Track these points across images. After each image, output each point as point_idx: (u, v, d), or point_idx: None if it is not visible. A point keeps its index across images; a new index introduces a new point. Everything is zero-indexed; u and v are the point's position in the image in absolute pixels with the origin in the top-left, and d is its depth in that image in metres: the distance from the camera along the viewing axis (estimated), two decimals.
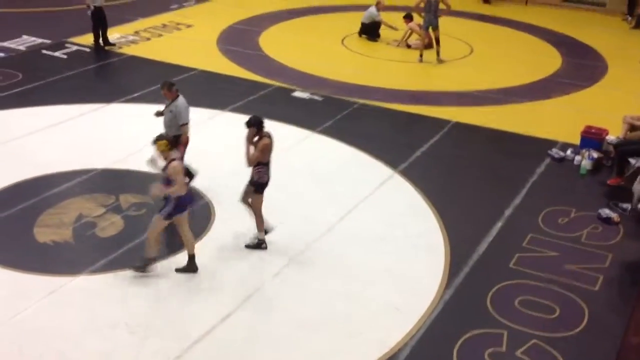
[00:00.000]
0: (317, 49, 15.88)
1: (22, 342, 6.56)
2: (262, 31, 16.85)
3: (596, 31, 18.33)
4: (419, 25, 15.92)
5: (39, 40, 15.00)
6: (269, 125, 11.01)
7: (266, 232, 8.31)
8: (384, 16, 16.86)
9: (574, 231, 8.91)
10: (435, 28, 15.07)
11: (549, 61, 15.68)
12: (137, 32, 16.05)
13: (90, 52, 14.62)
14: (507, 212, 9.30)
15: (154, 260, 7.63)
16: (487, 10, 20.20)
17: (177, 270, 7.72)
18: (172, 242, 8.18)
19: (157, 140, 7.36)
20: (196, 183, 9.32)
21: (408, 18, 16.25)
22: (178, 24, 17.00)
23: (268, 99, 12.78)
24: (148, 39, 15.74)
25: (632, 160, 10.11)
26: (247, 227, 8.65)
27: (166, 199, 7.47)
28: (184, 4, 18.77)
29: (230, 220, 8.78)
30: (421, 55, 15.25)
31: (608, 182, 10.19)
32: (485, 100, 13.30)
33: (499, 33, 18.11)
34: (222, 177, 9.75)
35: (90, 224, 8.50)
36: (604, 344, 7.02)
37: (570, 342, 6.99)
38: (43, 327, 6.78)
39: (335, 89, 13.34)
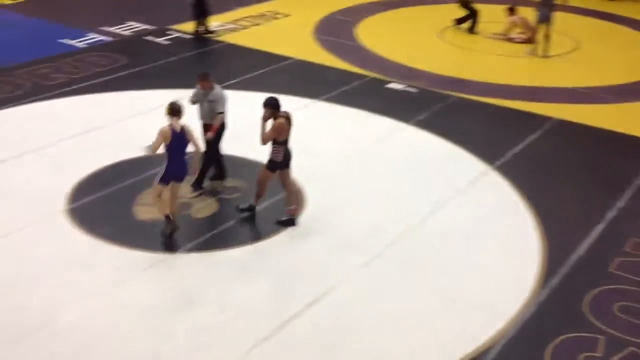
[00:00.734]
0: (414, 41, 15.71)
1: (120, 313, 6.81)
2: (359, 22, 16.81)
3: None
4: (521, 19, 15.47)
5: (143, 27, 15.50)
6: (362, 115, 10.99)
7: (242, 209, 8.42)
8: (487, 7, 16.45)
9: None
10: (549, 24, 14.67)
11: None
12: (236, 21, 16.33)
13: (191, 39, 14.98)
14: (610, 215, 8.92)
15: (169, 218, 7.85)
16: (605, 7, 19.32)
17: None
18: (258, 230, 8.30)
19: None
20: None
21: (511, 10, 15.82)
22: (276, 13, 17.18)
23: (362, 89, 12.73)
24: (246, 27, 16.00)
25: None
26: (339, 216, 8.67)
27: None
28: None
29: (322, 207, 8.81)
30: (532, 49, 14.89)
31: None
32: (590, 98, 12.81)
33: (613, 30, 17.34)
34: (312, 164, 9.79)
35: (186, 204, 8.71)
36: None
37: None
38: (138, 301, 7.01)
39: (432, 82, 13.16)
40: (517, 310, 7.10)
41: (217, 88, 8.84)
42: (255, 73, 13.14)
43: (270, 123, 8.08)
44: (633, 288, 7.52)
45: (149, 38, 14.88)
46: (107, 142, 10.07)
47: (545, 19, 14.73)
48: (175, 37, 15.03)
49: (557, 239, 8.32)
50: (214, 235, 8.17)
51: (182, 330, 6.62)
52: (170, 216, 7.90)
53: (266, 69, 13.41)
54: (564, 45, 15.52)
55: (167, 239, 7.93)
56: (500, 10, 16.37)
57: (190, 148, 7.89)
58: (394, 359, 6.45)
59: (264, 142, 8.09)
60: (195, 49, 14.63)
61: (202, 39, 15.04)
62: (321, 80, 13.01)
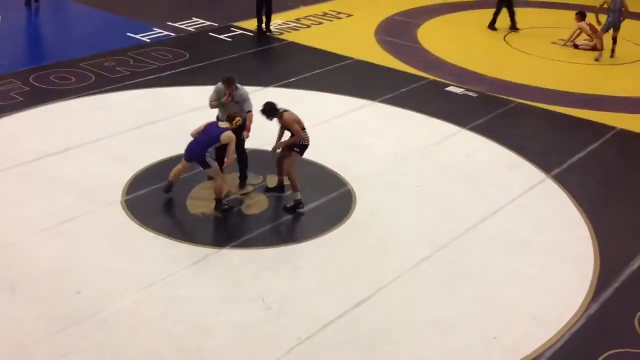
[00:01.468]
0: (476, 44, 15.50)
1: (167, 305, 6.95)
2: (421, 23, 16.68)
3: None
4: (590, 25, 15.07)
5: (207, 23, 15.75)
6: (419, 117, 10.94)
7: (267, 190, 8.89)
8: (554, 12, 16.09)
9: None
10: (617, 29, 14.39)
11: None
12: (298, 19, 16.44)
13: (253, 37, 15.15)
14: None
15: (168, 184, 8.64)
16: None
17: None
18: (305, 228, 8.35)
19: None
20: (338, 170, 9.45)
21: (580, 16, 15.38)
22: (338, 13, 17.21)
23: (421, 92, 12.64)
24: (308, 26, 16.07)
25: None
26: (389, 218, 8.64)
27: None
28: None
29: (372, 209, 8.79)
30: (599, 55, 14.59)
31: None
32: None
33: None
34: (365, 165, 9.78)
35: (237, 200, 8.83)
36: None
37: None
38: (186, 293, 7.14)
39: (492, 86, 12.95)
40: (565, 322, 6.94)
41: (241, 88, 8.86)
42: (314, 72, 13.20)
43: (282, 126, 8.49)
44: None
45: (213, 34, 15.11)
46: (165, 136, 10.28)
47: (613, 25, 14.42)
48: (238, 34, 15.22)
49: (611, 252, 8.09)
50: (262, 232, 8.25)
51: (226, 325, 6.71)
52: (169, 181, 8.66)
53: (326, 69, 13.45)
54: (629, 53, 15.05)
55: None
56: (567, 15, 15.98)
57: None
58: None
59: (302, 140, 8.46)
60: (256, 46, 14.79)
61: (264, 36, 15.19)
62: (380, 81, 12.97)
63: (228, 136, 8.35)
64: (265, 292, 7.18)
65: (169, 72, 12.84)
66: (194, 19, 15.99)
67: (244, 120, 8.68)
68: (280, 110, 8.45)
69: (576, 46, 15.42)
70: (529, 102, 12.33)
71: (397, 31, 16.15)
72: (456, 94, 12.60)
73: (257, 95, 11.73)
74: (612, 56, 14.68)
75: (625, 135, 11.23)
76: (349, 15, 17.03)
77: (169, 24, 15.47)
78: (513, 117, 11.79)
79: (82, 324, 6.60)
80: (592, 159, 10.40)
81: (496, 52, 15.16)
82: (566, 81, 13.52)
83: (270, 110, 8.43)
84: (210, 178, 8.65)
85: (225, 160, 8.42)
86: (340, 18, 16.84)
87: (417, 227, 8.46)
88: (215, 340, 6.52)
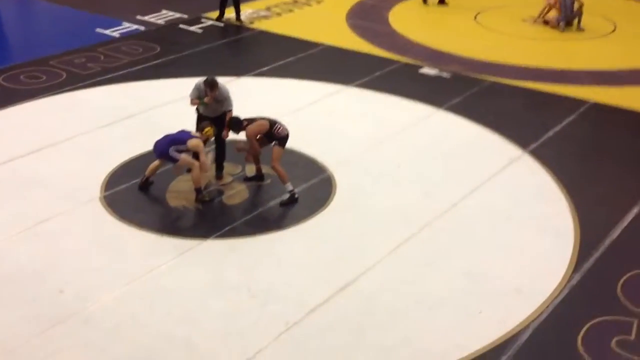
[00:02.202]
0: (448, 26, 15.54)
1: (152, 299, 6.91)
2: (392, 7, 16.68)
3: None
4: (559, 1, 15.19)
5: (177, 15, 15.61)
6: (394, 100, 10.98)
7: (246, 179, 8.95)
8: None
9: None
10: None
11: None
12: (268, 8, 16.34)
13: (224, 27, 15.05)
14: None
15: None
16: None
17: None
18: (286, 216, 8.35)
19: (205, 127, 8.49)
20: (316, 156, 9.44)
21: None
22: None
23: (395, 75, 12.65)
24: (279, 14, 16.00)
25: None
26: (370, 201, 8.66)
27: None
28: None
29: (352, 193, 8.81)
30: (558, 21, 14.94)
31: None
32: (627, 80, 12.53)
33: None
34: (343, 150, 9.79)
35: (217, 191, 8.79)
36: None
37: None
38: (172, 286, 7.11)
39: (466, 66, 13.01)
40: (549, 294, 7.02)
41: (222, 87, 8.78)
42: (287, 60, 13.16)
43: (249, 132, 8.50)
44: None
45: (183, 26, 14.98)
46: (140, 130, 10.19)
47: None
48: (209, 25, 15.10)
49: (591, 223, 8.20)
50: (244, 222, 8.23)
51: (213, 316, 6.70)
52: (146, 177, 8.73)
53: (298, 56, 13.40)
54: (600, 27, 15.20)
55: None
56: None
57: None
58: (422, 342, 6.43)
59: (253, 150, 8.60)
60: (228, 36, 14.70)
61: (234, 27, 15.09)
62: (353, 66, 12.96)
63: (195, 144, 8.34)
64: (250, 281, 7.18)
65: (141, 67, 12.72)
66: (164, 11, 15.84)
67: (222, 126, 8.70)
68: (245, 123, 8.47)
69: (546, 22, 15.53)
70: (502, 80, 12.41)
71: (368, 15, 16.13)
72: (430, 76, 12.64)
73: (232, 86, 11.69)
74: (579, 28, 14.80)
75: (599, 108, 11.34)
76: (319, 2, 16.98)
77: (138, 18, 15.31)
78: (487, 96, 11.86)
79: (67, 322, 6.54)
80: (568, 133, 10.51)
81: (467, 32, 15.22)
82: (538, 57, 13.63)
83: (235, 124, 8.53)
84: (189, 170, 8.62)
85: (200, 169, 8.38)
86: (310, 5, 16.78)
87: (398, 208, 8.49)
88: (204, 331, 6.50)
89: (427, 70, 12.82)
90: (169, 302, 6.87)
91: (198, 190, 8.49)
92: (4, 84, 11.76)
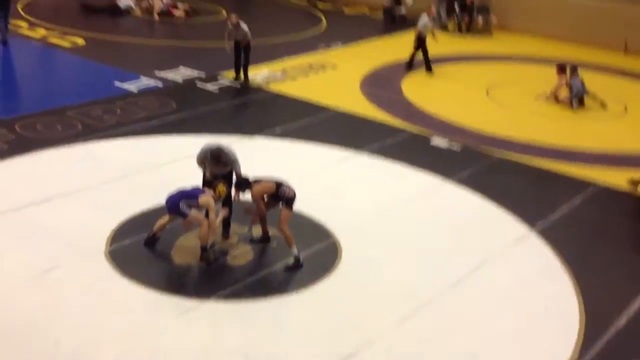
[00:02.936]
0: (460, 98, 15.74)
1: (152, 357, 6.86)
2: (405, 76, 16.95)
3: None
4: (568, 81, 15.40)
5: (195, 73, 15.90)
6: (403, 169, 11.04)
7: (252, 240, 8.99)
8: (539, 68, 16.42)
9: None
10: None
11: None
12: (284, 70, 16.64)
13: (239, 87, 15.29)
14: None
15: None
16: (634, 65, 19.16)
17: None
18: (290, 281, 8.33)
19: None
20: (323, 221, 9.46)
21: (561, 69, 15.71)
22: (324, 64, 17.46)
23: (405, 144, 12.77)
24: (294, 77, 16.27)
25: None
26: (374, 271, 8.64)
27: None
28: (332, 45, 19.26)
29: (357, 261, 8.79)
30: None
31: None
32: (636, 163, 12.58)
33: None
34: (350, 217, 9.81)
35: (223, 251, 8.79)
36: None
37: None
38: (171, 346, 7.05)
39: (476, 139, 13.13)
40: None
41: (230, 152, 8.89)
42: (299, 123, 13.33)
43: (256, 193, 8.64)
44: None
45: (200, 84, 15.24)
46: (150, 186, 10.26)
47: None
48: (225, 84, 15.36)
49: (597, 308, 8.12)
50: (248, 284, 8.21)
51: None
52: (154, 232, 8.77)
53: (311, 119, 13.59)
54: (610, 108, 15.36)
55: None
56: (549, 70, 16.32)
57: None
58: None
59: (259, 211, 8.71)
60: (242, 96, 14.93)
61: (249, 87, 15.34)
62: (365, 133, 13.10)
63: (206, 201, 8.40)
64: (249, 346, 7.12)
65: (156, 122, 12.90)
66: (182, 68, 16.14)
67: (230, 191, 8.81)
68: (251, 184, 8.62)
69: (558, 100, 15.70)
70: (512, 156, 12.49)
71: (382, 83, 16.39)
72: (440, 147, 12.75)
73: (243, 146, 11.87)
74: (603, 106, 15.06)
75: (607, 191, 11.36)
76: (335, 67, 17.28)
77: (156, 73, 15.60)
78: (497, 170, 11.93)
79: None
80: (575, 213, 10.50)
81: (479, 105, 15.40)
82: (548, 135, 13.72)
83: (242, 184, 8.68)
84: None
85: (209, 227, 8.41)
86: (325, 70, 17.08)
87: (402, 281, 8.46)
88: None
89: (438, 142, 12.94)
90: None
91: (203, 249, 8.51)
92: (20, 132, 11.93)
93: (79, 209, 9.57)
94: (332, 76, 16.72)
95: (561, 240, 9.59)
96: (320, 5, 24.69)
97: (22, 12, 20.21)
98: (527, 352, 7.36)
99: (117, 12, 20.84)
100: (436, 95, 15.74)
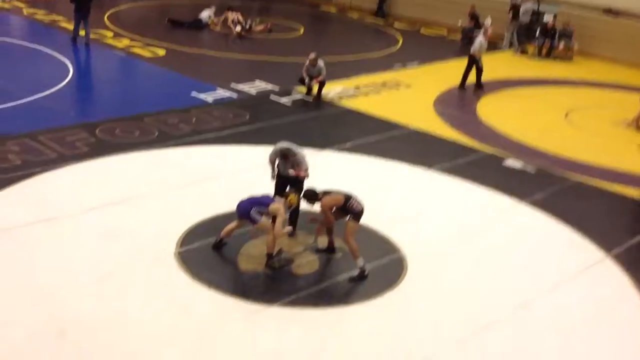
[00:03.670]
0: (537, 120, 15.39)
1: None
2: (481, 97, 16.72)
3: None
4: None
5: (270, 86, 16.11)
6: (474, 189, 10.84)
7: (318, 250, 8.94)
8: (622, 95, 15.93)
9: None
10: None
11: None
12: (357, 87, 16.67)
13: (311, 102, 15.39)
14: None
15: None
16: None
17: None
18: (354, 292, 8.25)
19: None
20: (389, 235, 9.34)
21: None
22: (398, 83, 17.41)
23: (478, 164, 12.55)
24: (367, 94, 16.27)
25: None
26: (440, 289, 8.48)
27: None
28: (407, 64, 19.20)
29: (423, 278, 8.65)
30: None
31: None
32: None
33: None
34: (418, 233, 9.68)
35: (288, 259, 8.80)
36: None
37: None
38: (233, 349, 7.09)
39: (552, 162, 12.78)
40: None
41: (298, 152, 9.14)
42: (371, 139, 13.29)
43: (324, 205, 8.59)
44: None
45: (273, 97, 15.42)
46: (220, 192, 10.42)
47: None
48: (299, 98, 15.49)
49: None
50: (311, 293, 8.19)
51: None
52: (221, 238, 8.89)
53: (382, 136, 13.53)
54: None
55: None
56: (631, 97, 15.81)
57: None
58: None
59: (327, 214, 8.60)
60: (314, 111, 15.01)
61: (322, 102, 15.42)
62: (436, 151, 12.96)
63: (276, 208, 8.46)
64: (310, 354, 7.08)
65: (229, 132, 13.11)
66: (257, 81, 16.39)
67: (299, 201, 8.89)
68: (320, 195, 8.57)
69: (639, 127, 15.17)
70: (588, 181, 12.11)
71: (456, 103, 16.21)
72: (514, 168, 12.48)
73: (314, 159, 11.88)
74: None
75: None
76: (408, 86, 17.21)
77: (232, 86, 15.88)
78: (572, 195, 11.57)
79: None
80: None
81: (557, 128, 15.03)
82: (627, 162, 13.25)
83: (310, 196, 8.63)
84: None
85: (274, 233, 8.46)
86: (399, 88, 17.02)
87: (469, 299, 8.27)
88: None
89: (512, 163, 12.66)
90: None
91: (269, 256, 8.54)
92: (100, 135, 12.32)
93: (151, 211, 9.78)
94: (406, 94, 16.64)
95: (638, 266, 9.19)
96: (397, 24, 24.70)
97: (107, 22, 20.99)
98: None
99: (199, 25, 21.38)
100: (512, 117, 15.44)
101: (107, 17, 21.67)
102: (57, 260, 8.39)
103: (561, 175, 12.25)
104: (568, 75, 19.44)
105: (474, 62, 16.96)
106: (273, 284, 8.37)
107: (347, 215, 8.57)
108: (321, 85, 15.49)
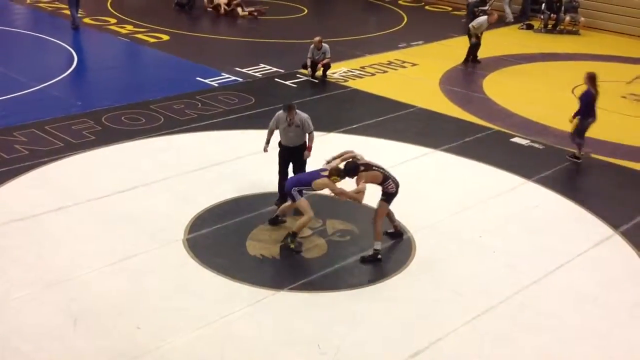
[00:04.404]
0: (544, 96, 15.31)
1: (223, 344, 6.96)
2: (487, 74, 16.62)
3: None
4: None
5: (274, 69, 16.07)
6: (482, 168, 10.82)
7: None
8: (622, 67, 15.81)
9: None
10: None
11: None
12: (362, 67, 16.60)
13: (317, 83, 15.36)
14: None
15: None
16: None
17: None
18: (364, 275, 8.29)
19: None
20: (398, 216, 9.35)
21: None
22: (403, 62, 17.32)
23: (485, 142, 12.52)
24: (373, 74, 16.22)
25: None
26: (449, 268, 8.50)
27: None
28: (412, 43, 19.09)
29: (431, 258, 8.68)
30: None
31: None
32: None
33: None
34: (426, 213, 9.69)
35: (296, 243, 8.83)
36: None
37: None
38: (243, 334, 7.15)
39: (559, 139, 12.73)
40: None
41: (300, 113, 9.49)
42: (377, 119, 13.27)
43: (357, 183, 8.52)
44: None
45: (279, 80, 15.39)
46: (228, 178, 10.45)
47: None
48: (303, 80, 15.45)
49: None
50: (320, 277, 8.23)
51: None
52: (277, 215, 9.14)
53: (389, 116, 13.50)
54: None
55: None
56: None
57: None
58: None
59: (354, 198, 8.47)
60: (320, 93, 14.97)
61: (327, 83, 15.38)
62: (443, 130, 12.92)
63: (321, 183, 8.45)
64: (320, 337, 7.13)
65: (235, 116, 13.11)
66: (262, 65, 16.34)
67: (299, 158, 9.22)
68: (361, 169, 8.47)
69: None
70: (596, 156, 12.06)
71: (462, 81, 16.13)
72: (521, 145, 12.44)
73: (321, 141, 11.88)
74: None
75: None
76: (414, 65, 17.12)
77: (237, 70, 15.85)
78: (580, 171, 11.54)
79: (140, 359, 6.66)
80: None
81: (563, 104, 14.89)
82: (636, 136, 13.18)
83: (352, 169, 8.44)
84: (298, 213, 8.83)
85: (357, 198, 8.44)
86: (404, 67, 16.94)
87: (477, 279, 8.29)
88: None
89: (519, 140, 12.62)
90: (239, 350, 6.90)
91: (294, 234, 8.60)
92: (106, 123, 12.35)
93: (159, 198, 9.82)
94: (412, 73, 16.57)
95: None
96: (401, 1, 24.52)
97: (110, 9, 20.94)
98: (609, 356, 7.07)
99: (192, 4, 21.28)
100: (519, 93, 15.35)
101: (110, 4, 21.62)
102: (68, 247, 8.48)
103: (568, 151, 12.18)
104: (575, 50, 19.28)
105: (472, 38, 16.97)
106: (282, 269, 8.42)
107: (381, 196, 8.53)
108: (326, 67, 15.47)
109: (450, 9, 23.83)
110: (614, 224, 9.64)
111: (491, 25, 17.54)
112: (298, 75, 15.69)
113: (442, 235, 9.23)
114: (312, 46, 15.39)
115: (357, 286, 8.11)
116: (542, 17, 21.61)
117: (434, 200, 10.19)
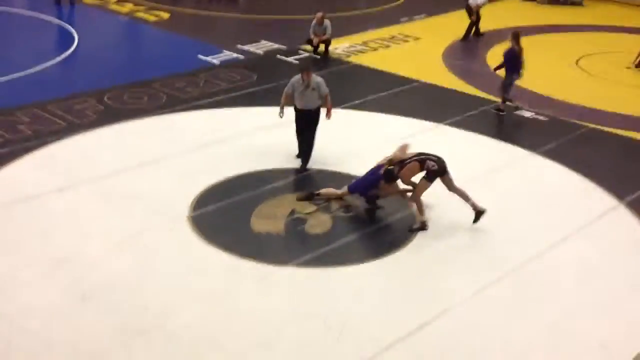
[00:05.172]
0: (548, 68, 15.20)
1: (229, 320, 6.99)
2: (490, 47, 16.50)
3: None
4: None
5: (276, 46, 15.98)
6: (486, 141, 10.77)
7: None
8: (626, 37, 15.68)
9: None
10: None
11: None
12: (365, 42, 16.49)
13: (320, 59, 15.27)
14: None
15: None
16: None
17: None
18: (370, 249, 8.30)
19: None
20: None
21: None
22: (406, 36, 17.20)
23: (489, 115, 12.47)
24: (375, 49, 16.11)
25: None
26: (454, 241, 8.51)
27: None
28: (415, 17, 18.95)
29: (437, 231, 8.68)
30: None
31: None
32: None
33: None
34: (432, 187, 9.66)
35: (301, 220, 8.84)
36: None
37: None
38: (249, 309, 7.17)
39: (563, 111, 12.67)
40: (636, 354, 6.65)
41: (316, 77, 9.74)
42: (381, 94, 13.21)
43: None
44: None
45: (281, 57, 15.30)
46: (232, 155, 10.43)
47: None
48: (306, 56, 15.36)
49: None
50: (325, 253, 8.23)
51: (287, 342, 6.71)
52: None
53: (392, 91, 13.44)
54: None
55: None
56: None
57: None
58: None
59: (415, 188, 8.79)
60: (323, 69, 14.84)
61: (330, 59, 15.30)
62: (447, 104, 12.86)
63: (389, 191, 8.94)
64: (326, 311, 7.15)
65: (237, 93, 13.06)
66: (263, 41, 16.25)
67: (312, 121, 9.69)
68: (396, 170, 8.72)
69: None
70: (601, 127, 12.00)
71: (465, 54, 16.03)
72: (526, 118, 12.38)
73: (323, 117, 11.83)
74: None
75: None
76: (417, 39, 17.01)
77: (238, 47, 15.76)
78: (584, 142, 11.49)
79: (147, 335, 6.71)
80: None
81: (568, 76, 14.85)
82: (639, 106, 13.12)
83: (390, 176, 8.80)
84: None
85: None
86: (407, 41, 16.83)
87: (483, 251, 8.30)
88: (276, 356, 6.52)
89: (523, 112, 12.56)
90: (245, 325, 6.93)
91: (317, 194, 9.16)
92: (109, 102, 12.32)
93: (163, 176, 9.82)
94: (414, 47, 16.47)
95: None
96: None
97: None
98: (613, 326, 7.09)
99: None
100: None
101: None
102: (74, 226, 8.49)
103: (573, 122, 12.14)
104: (578, 21, 19.11)
105: (472, 14, 16.89)
106: (286, 245, 8.43)
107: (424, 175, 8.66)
108: (327, 43, 15.38)
109: None
110: (619, 195, 9.62)
111: None
112: (300, 52, 15.60)
113: (446, 208, 9.21)
114: (313, 22, 15.29)
115: (362, 261, 8.13)
116: None
117: None
